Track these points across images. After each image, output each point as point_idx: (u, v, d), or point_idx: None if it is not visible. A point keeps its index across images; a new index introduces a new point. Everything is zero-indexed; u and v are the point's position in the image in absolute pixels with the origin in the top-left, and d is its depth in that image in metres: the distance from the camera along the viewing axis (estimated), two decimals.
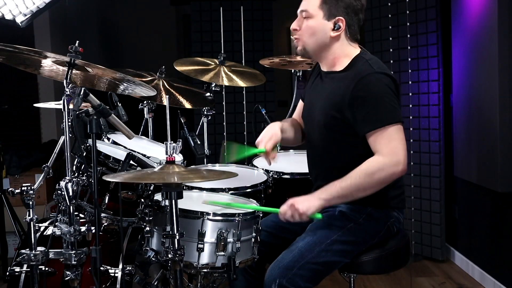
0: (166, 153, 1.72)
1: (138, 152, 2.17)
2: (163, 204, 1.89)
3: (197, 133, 2.91)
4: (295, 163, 2.61)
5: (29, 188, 1.76)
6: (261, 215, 1.96)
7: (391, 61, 3.93)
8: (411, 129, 3.85)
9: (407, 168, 1.84)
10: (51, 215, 3.12)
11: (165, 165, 1.73)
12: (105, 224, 2.18)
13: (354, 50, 2.00)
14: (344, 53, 1.99)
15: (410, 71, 3.84)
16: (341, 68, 1.99)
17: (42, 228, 2.19)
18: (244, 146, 2.20)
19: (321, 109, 2.02)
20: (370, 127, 1.85)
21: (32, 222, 1.74)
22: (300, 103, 2.32)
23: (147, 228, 1.92)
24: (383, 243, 2.02)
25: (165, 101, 1.97)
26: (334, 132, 1.98)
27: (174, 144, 1.72)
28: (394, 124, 1.84)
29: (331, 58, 2.01)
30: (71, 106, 1.71)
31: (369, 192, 1.85)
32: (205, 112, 3.00)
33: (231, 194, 2.19)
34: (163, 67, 2.80)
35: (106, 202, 2.12)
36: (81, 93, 1.73)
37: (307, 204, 1.86)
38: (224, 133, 4.48)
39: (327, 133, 2.00)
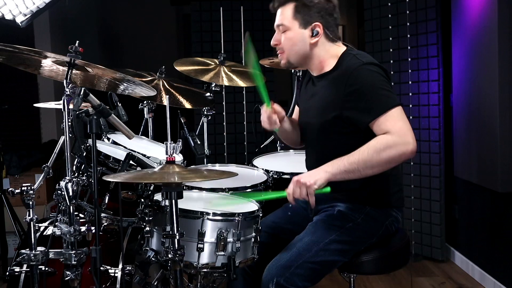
0: (166, 153, 1.72)
1: (138, 152, 2.17)
2: (163, 204, 1.89)
3: (197, 133, 2.91)
4: (295, 163, 2.61)
5: (29, 188, 1.76)
6: (260, 215, 1.96)
7: (391, 61, 3.94)
8: None
9: (416, 149, 1.79)
10: (51, 215, 3.12)
11: (165, 165, 1.73)
12: (105, 224, 2.18)
13: (339, 48, 2.01)
14: (329, 54, 1.99)
15: (410, 71, 3.85)
16: (329, 68, 1.99)
17: (42, 228, 2.19)
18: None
19: (316, 112, 2.02)
20: (373, 116, 1.83)
21: (32, 222, 1.74)
22: (297, 109, 2.32)
23: (147, 228, 1.92)
24: (383, 243, 2.02)
25: (165, 101, 1.97)
26: (329, 133, 1.98)
27: (174, 144, 1.72)
28: (395, 107, 1.83)
29: (317, 62, 2.01)
30: (71, 106, 1.71)
31: (376, 170, 1.82)
32: (205, 112, 3.00)
33: (231, 194, 2.19)
34: (163, 67, 2.80)
35: (106, 202, 2.11)
36: (81, 93, 1.73)
37: (313, 176, 1.83)
38: (224, 133, 4.48)
39: (323, 135, 2.00)
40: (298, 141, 2.28)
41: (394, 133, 1.79)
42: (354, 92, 1.87)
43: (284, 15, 1.99)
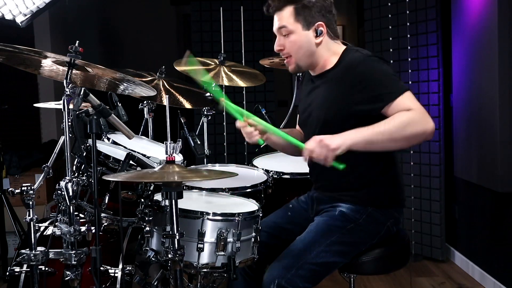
0: (166, 153, 1.72)
1: (138, 152, 2.17)
2: (163, 204, 1.89)
3: (197, 133, 2.91)
4: (295, 163, 2.61)
5: (29, 188, 1.76)
6: (260, 215, 1.96)
7: (391, 61, 3.93)
8: None
9: (434, 131, 1.78)
10: (51, 215, 3.12)
11: (165, 165, 1.73)
12: (105, 224, 2.18)
13: (339, 46, 2.00)
14: (331, 52, 1.99)
15: (410, 71, 3.84)
16: (330, 66, 1.99)
17: (42, 228, 2.19)
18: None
19: (320, 107, 2.00)
20: (388, 100, 1.80)
21: (32, 222, 1.74)
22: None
23: (147, 228, 1.92)
24: (383, 243, 2.02)
25: (165, 101, 1.97)
26: (334, 128, 1.95)
27: (174, 144, 1.72)
28: (407, 91, 1.82)
29: (321, 62, 2.00)
30: (71, 106, 1.71)
31: (399, 144, 1.79)
32: (205, 112, 2.99)
33: (231, 194, 2.19)
34: (163, 67, 2.80)
35: (106, 202, 2.12)
36: (81, 93, 1.73)
37: (337, 140, 1.77)
38: (224, 133, 4.48)
39: (327, 130, 1.98)
40: (298, 152, 2.25)
41: (416, 110, 1.78)
42: (363, 81, 1.85)
43: (284, 18, 1.96)
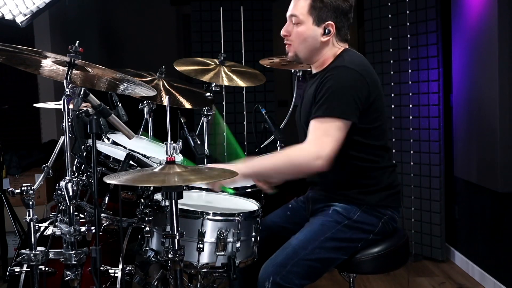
0: (166, 153, 1.72)
1: (138, 152, 2.17)
2: (163, 204, 1.89)
3: (197, 133, 2.90)
4: None
5: (29, 188, 1.75)
6: (261, 215, 1.96)
7: (391, 61, 3.93)
8: (411, 129, 3.86)
9: (327, 166, 1.81)
10: (51, 215, 3.12)
11: (165, 165, 1.72)
12: (105, 224, 2.18)
13: (339, 50, 2.01)
14: (332, 54, 2.01)
15: (410, 71, 3.85)
16: (325, 66, 2.01)
17: (42, 228, 2.19)
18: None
19: (303, 109, 2.05)
20: (314, 114, 1.87)
21: (32, 222, 1.74)
22: None
23: (147, 228, 1.92)
24: (381, 242, 2.03)
25: (165, 101, 1.97)
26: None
27: (174, 144, 1.72)
28: (336, 118, 1.83)
29: (321, 60, 2.03)
30: (71, 106, 1.71)
31: (288, 176, 1.89)
32: (205, 112, 2.99)
33: (231, 193, 2.19)
34: (163, 67, 2.80)
35: (106, 202, 2.12)
36: (81, 93, 1.73)
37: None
38: (224, 133, 4.47)
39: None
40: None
41: (310, 143, 1.84)
42: (320, 88, 1.90)
43: (299, 7, 1.98)
